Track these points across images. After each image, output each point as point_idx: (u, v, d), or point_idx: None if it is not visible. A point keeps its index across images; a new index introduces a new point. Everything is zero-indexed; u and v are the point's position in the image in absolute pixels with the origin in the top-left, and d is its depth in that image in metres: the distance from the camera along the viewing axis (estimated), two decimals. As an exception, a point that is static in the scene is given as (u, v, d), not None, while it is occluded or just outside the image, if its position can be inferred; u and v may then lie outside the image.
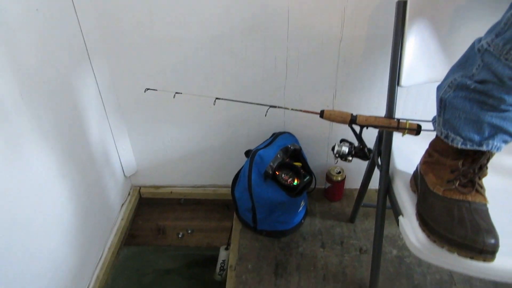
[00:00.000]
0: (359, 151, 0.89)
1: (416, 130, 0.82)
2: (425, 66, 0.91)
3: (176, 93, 1.01)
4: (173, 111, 1.36)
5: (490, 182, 0.75)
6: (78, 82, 1.14)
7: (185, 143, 1.45)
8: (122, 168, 1.48)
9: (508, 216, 0.71)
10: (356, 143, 0.91)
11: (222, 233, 1.52)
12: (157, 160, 1.50)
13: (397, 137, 0.95)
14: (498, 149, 0.71)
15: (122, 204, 1.52)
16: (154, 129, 1.41)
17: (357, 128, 0.91)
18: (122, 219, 1.46)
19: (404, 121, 0.83)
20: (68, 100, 1.10)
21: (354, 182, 1.52)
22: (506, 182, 0.88)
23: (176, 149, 1.46)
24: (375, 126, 0.84)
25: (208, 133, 1.42)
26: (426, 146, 0.84)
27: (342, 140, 0.92)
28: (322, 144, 1.43)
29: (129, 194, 1.57)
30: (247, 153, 1.30)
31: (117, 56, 1.22)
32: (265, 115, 0.93)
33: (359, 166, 1.46)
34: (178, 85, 1.27)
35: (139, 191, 1.59)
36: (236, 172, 1.39)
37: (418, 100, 1.23)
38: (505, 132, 0.70)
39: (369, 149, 0.89)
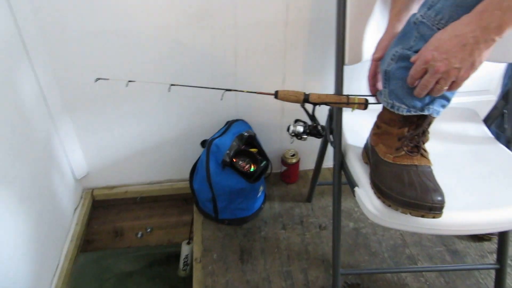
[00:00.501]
0: (313, 129, 0.93)
1: (364, 104, 0.87)
2: (368, 44, 0.96)
3: (129, 81, 0.98)
4: (123, 105, 1.31)
5: (430, 147, 0.82)
6: (17, 81, 1.07)
7: (138, 138, 1.41)
8: (72, 170, 1.41)
9: (448, 175, 0.78)
10: (309, 123, 0.95)
11: (183, 228, 1.51)
12: (109, 159, 1.45)
13: (346, 114, 1.00)
14: (438, 113, 0.78)
15: (75, 209, 1.45)
16: (104, 126, 1.36)
17: (309, 108, 0.94)
18: (76, 224, 1.40)
19: (353, 97, 0.88)
20: (7, 102, 1.03)
21: (308, 163, 1.57)
22: (443, 146, 0.97)
23: (129, 145, 1.42)
24: (326, 103, 0.88)
25: (161, 126, 1.39)
26: (373, 120, 0.90)
27: (297, 120, 0.95)
28: (275, 129, 1.46)
29: (81, 197, 1.51)
30: (203, 143, 1.30)
31: (59, 51, 1.15)
32: (221, 99, 0.93)
33: (312, 147, 1.52)
34: (126, 78, 1.23)
35: (92, 193, 1.53)
36: (193, 164, 1.39)
37: (363, 77, 1.29)
38: (442, 97, 0.76)
39: (322, 126, 0.93)
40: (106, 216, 1.55)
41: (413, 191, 0.72)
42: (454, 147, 0.98)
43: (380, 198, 0.79)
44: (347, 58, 0.95)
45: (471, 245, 1.28)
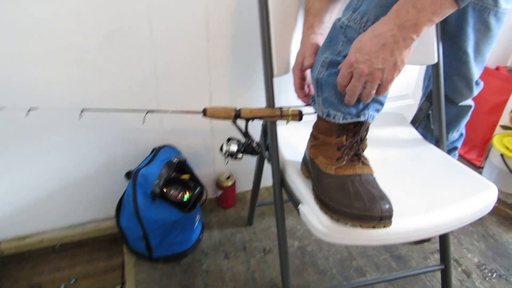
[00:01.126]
0: (248, 147, 0.86)
1: (299, 115, 0.82)
2: (294, 54, 0.93)
3: (31, 109, 0.83)
4: (28, 139, 1.13)
5: (366, 154, 0.79)
6: None
7: (52, 177, 1.23)
8: (-31, 225, 1.19)
9: (388, 181, 0.75)
10: (243, 140, 0.88)
11: (113, 273, 1.34)
12: (17, 205, 1.24)
13: (280, 128, 0.95)
14: (373, 118, 0.75)
15: (-23, 270, 1.22)
16: (5, 166, 1.16)
17: (241, 125, 0.88)
18: (-21, 288, 1.17)
19: (286, 108, 0.83)
20: None
21: (244, 184, 1.50)
22: (378, 152, 0.95)
23: (40, 186, 1.23)
24: (260, 117, 0.82)
25: (78, 161, 1.23)
26: (308, 132, 0.85)
27: (229, 139, 0.88)
28: (206, 151, 1.37)
29: (-16, 255, 1.27)
30: (128, 174, 1.17)
31: None
32: (143, 123, 0.83)
33: (247, 167, 1.46)
34: (28, 106, 1.07)
35: (-1, 248, 1.30)
36: (118, 199, 1.24)
37: (291, 88, 1.27)
38: (376, 101, 0.74)
39: (257, 143, 0.87)
40: (18, 272, 1.32)
41: (361, 202, 0.68)
42: (388, 152, 0.97)
43: (327, 213, 0.73)
44: (275, 69, 0.91)
45: (413, 248, 1.28)
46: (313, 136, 0.84)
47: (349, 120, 0.74)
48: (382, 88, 0.68)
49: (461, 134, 1.25)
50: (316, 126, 0.83)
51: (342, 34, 0.71)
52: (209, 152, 1.38)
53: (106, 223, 1.39)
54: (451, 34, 1.00)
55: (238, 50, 1.19)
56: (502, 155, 1.43)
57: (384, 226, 0.68)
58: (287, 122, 0.84)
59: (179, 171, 1.24)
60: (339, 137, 0.76)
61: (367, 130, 0.77)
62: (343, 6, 0.80)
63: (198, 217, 1.26)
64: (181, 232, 1.19)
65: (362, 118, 0.73)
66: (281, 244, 0.96)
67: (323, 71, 0.74)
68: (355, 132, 0.76)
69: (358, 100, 0.72)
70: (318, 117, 0.81)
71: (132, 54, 1.09)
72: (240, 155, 0.86)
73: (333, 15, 0.89)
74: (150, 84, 1.16)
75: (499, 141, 1.48)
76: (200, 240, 1.30)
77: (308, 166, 0.85)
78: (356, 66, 0.66)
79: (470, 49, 1.00)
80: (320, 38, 0.85)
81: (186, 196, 1.19)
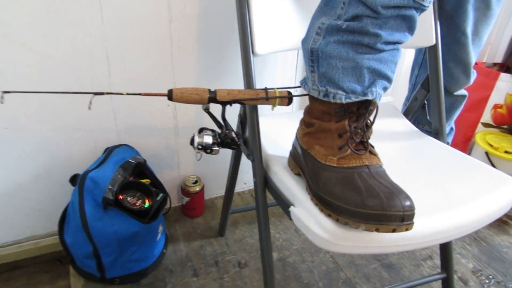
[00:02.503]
0: (225, 138, 0.69)
1: (288, 97, 0.67)
2: (280, 31, 0.78)
3: None
4: None
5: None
6: None
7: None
8: None
9: (393, 177, 0.62)
10: (218, 130, 0.71)
11: (58, 298, 1.11)
12: None
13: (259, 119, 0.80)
14: (380, 97, 0.61)
15: None
16: None
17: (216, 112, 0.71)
18: None
19: (272, 90, 0.67)
20: None
21: (214, 189, 1.33)
22: (375, 145, 0.82)
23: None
24: (240, 101, 0.66)
25: (11, 167, 1.00)
26: (289, 122, 0.71)
27: (202, 129, 0.70)
28: (169, 152, 1.19)
29: None
30: (73, 179, 0.96)
31: None
32: (89, 108, 0.64)
33: (216, 170, 1.29)
34: None
35: None
36: (62, 210, 1.02)
37: (268, 70, 1.14)
38: (383, 76, 0.61)
39: (237, 133, 0.70)
40: None
41: (376, 199, 0.53)
42: (386, 145, 0.84)
43: (330, 216, 0.58)
44: (256, 46, 0.75)
45: (404, 255, 1.16)
46: (304, 123, 0.69)
47: (353, 100, 0.59)
48: None
49: (452, 129, 1.16)
50: (309, 111, 0.68)
51: None
52: (173, 154, 1.20)
53: (48, 239, 1.16)
54: (448, 14, 0.90)
55: (207, 33, 1.03)
56: (487, 153, 1.36)
57: (407, 229, 0.53)
58: (273, 107, 0.68)
59: (138, 175, 1.05)
60: (339, 122, 0.62)
61: (371, 114, 0.63)
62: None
63: (161, 229, 1.07)
64: (141, 247, 0.99)
65: (370, 97, 0.59)
66: (265, 257, 0.80)
67: (320, 40, 0.60)
68: (359, 115, 0.62)
69: (363, 76, 0.59)
70: (311, 99, 0.66)
71: (78, 34, 0.90)
72: (216, 148, 0.69)
73: None
74: (101, 72, 0.97)
75: (482, 139, 1.41)
76: (163, 256, 1.11)
77: (299, 160, 0.70)
78: None
79: (469, 29, 0.90)
80: None
81: (147, 203, 1.00)
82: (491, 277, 1.09)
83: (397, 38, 0.59)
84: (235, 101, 0.67)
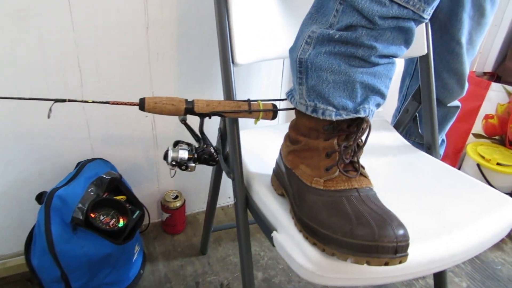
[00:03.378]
0: (203, 153, 0.63)
1: (273, 110, 0.61)
2: (264, 39, 0.73)
3: None
4: None
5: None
6: None
7: None
8: None
9: (384, 197, 0.56)
10: (196, 145, 0.65)
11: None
12: None
13: (241, 133, 0.74)
14: (373, 114, 0.56)
15: None
16: None
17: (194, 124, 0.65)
18: None
19: (255, 102, 0.62)
20: None
21: (196, 204, 1.27)
22: (364, 161, 0.77)
23: None
24: (220, 113, 0.60)
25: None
26: (273, 137, 0.66)
27: (178, 143, 0.64)
28: (147, 166, 1.12)
29: None
30: (39, 197, 0.89)
31: None
32: (48, 117, 0.58)
33: (198, 184, 1.22)
34: None
35: None
36: (29, 230, 0.95)
37: (250, 81, 1.08)
38: (377, 92, 0.55)
39: (215, 148, 0.64)
40: None
41: (367, 227, 0.48)
42: (376, 161, 0.79)
43: (316, 244, 0.52)
44: (237, 56, 0.70)
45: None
46: (290, 140, 0.63)
47: (344, 117, 0.54)
48: None
49: (443, 141, 1.12)
50: (295, 126, 0.62)
51: (336, 1, 0.52)
52: (152, 167, 1.13)
53: (17, 259, 1.08)
54: (442, 22, 0.86)
55: (187, 39, 0.97)
56: (478, 165, 1.32)
57: (400, 262, 0.48)
58: (257, 121, 0.62)
59: (113, 191, 0.98)
60: (328, 140, 0.56)
61: (369, 131, 0.57)
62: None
63: (137, 248, 1.00)
64: (115, 269, 0.92)
65: (362, 114, 0.54)
66: (246, 277, 0.74)
67: (309, 50, 0.54)
68: (349, 133, 0.56)
69: (355, 91, 0.53)
70: (298, 114, 0.61)
71: (46, 40, 0.83)
72: (192, 165, 0.63)
73: None
74: (73, 81, 0.90)
75: (473, 150, 1.37)
76: (140, 277, 1.03)
77: (283, 180, 0.64)
78: None
79: (464, 39, 0.86)
80: None
81: (122, 222, 0.93)
82: (485, 297, 1.05)
83: (393, 52, 0.54)
84: (214, 114, 0.61)
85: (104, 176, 0.94)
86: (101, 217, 0.90)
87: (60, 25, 0.83)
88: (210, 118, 0.60)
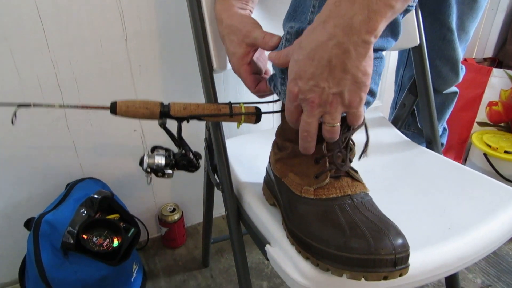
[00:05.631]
0: (182, 159, 0.59)
1: (256, 113, 0.57)
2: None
3: None
4: None
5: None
6: None
7: None
8: None
9: (384, 199, 0.52)
10: (176, 150, 0.61)
11: None
12: None
13: (228, 140, 0.70)
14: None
15: None
16: None
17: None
18: None
19: (238, 105, 0.58)
20: None
21: (196, 215, 1.23)
22: (363, 162, 0.73)
23: None
24: (199, 117, 0.56)
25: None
26: (262, 142, 0.62)
27: (155, 148, 0.60)
28: (142, 180, 1.09)
29: None
30: (28, 223, 0.86)
31: None
32: (13, 123, 0.54)
33: (196, 193, 1.19)
34: None
35: None
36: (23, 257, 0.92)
37: (230, 86, 1.05)
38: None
39: (195, 154, 0.60)
40: None
41: (362, 239, 0.44)
42: (374, 160, 0.74)
43: (310, 259, 0.48)
44: (215, 63, 0.66)
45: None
46: (277, 147, 0.60)
47: None
48: (352, 116, 0.46)
49: (445, 129, 1.07)
50: (280, 132, 0.59)
51: None
52: (144, 181, 1.09)
53: (15, 287, 1.05)
54: (431, 9, 0.81)
55: (169, 50, 0.94)
56: (485, 155, 1.27)
57: (401, 274, 0.44)
58: (239, 125, 0.59)
59: (105, 210, 0.95)
60: (316, 145, 0.52)
61: (367, 130, 0.53)
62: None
63: (135, 267, 0.97)
64: (113, 291, 0.89)
65: None
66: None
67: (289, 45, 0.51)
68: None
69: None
70: (283, 117, 0.57)
71: (19, 61, 0.81)
72: (169, 171, 0.59)
73: None
74: (53, 101, 0.87)
75: (479, 139, 1.32)
76: (141, 296, 1.00)
77: (273, 189, 0.60)
78: (303, 98, 0.44)
79: (454, 24, 0.81)
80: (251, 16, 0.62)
81: (116, 242, 0.90)
82: (502, 292, 1.00)
83: (379, 45, 0.49)
84: (192, 117, 0.57)
85: (94, 196, 0.91)
86: (94, 239, 0.87)
87: (35, 47, 0.81)
88: (188, 122, 0.56)
